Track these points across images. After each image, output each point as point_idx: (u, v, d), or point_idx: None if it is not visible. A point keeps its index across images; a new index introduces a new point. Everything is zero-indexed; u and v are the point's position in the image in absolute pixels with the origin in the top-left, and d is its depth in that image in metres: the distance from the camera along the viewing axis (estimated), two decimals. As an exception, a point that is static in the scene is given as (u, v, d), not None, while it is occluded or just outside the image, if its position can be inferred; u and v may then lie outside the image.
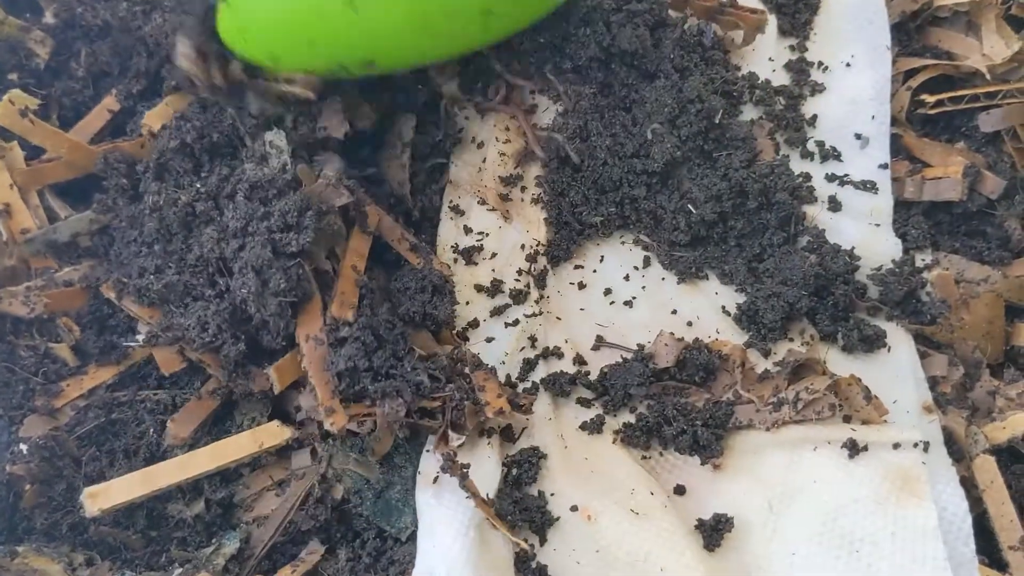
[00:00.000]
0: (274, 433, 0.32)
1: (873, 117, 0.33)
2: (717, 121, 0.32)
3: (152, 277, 0.29)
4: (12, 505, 0.32)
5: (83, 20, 0.32)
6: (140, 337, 0.31)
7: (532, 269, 0.32)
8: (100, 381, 0.32)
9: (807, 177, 0.33)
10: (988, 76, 0.33)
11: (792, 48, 0.35)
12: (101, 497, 0.30)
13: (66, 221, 0.30)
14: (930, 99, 0.34)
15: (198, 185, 0.28)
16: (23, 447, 0.31)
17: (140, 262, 0.29)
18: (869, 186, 0.32)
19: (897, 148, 0.33)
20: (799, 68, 0.35)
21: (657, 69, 0.33)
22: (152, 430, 0.32)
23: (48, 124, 0.30)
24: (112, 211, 0.30)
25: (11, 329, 0.30)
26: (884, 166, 0.33)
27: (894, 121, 0.34)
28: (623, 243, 0.33)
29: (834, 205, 0.32)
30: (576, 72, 0.33)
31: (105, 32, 0.32)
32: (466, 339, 0.33)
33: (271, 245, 0.27)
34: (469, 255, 0.33)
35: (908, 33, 0.35)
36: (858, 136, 0.33)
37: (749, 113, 0.34)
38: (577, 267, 0.33)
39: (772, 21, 0.35)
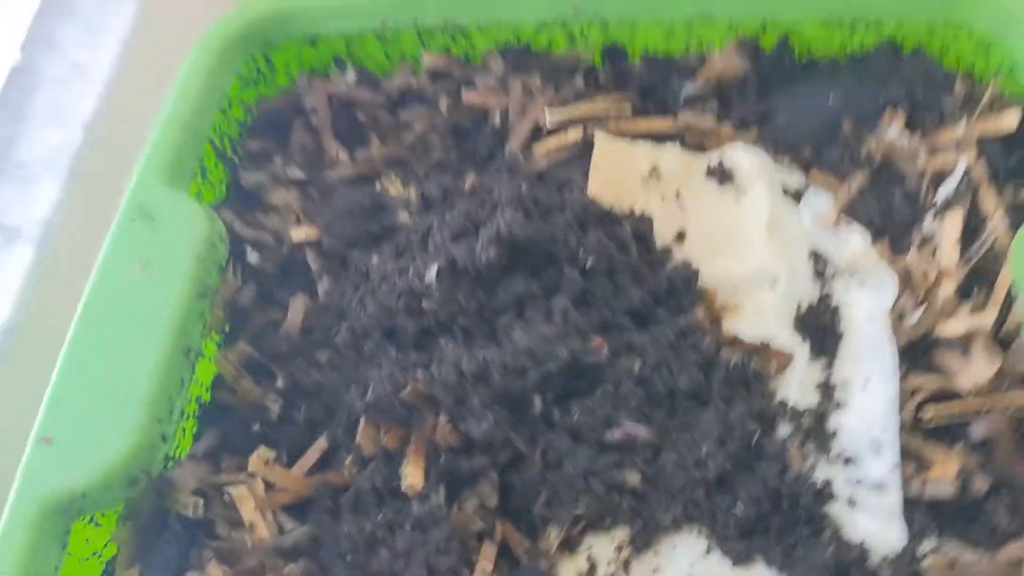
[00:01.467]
0: None
1: (885, 428, 0.43)
2: (753, 443, 0.42)
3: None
4: None
5: (303, 384, 0.46)
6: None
7: (618, 559, 0.42)
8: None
9: (828, 483, 0.42)
10: (973, 394, 0.42)
11: (821, 370, 0.45)
12: None
13: (290, 533, 0.43)
14: (929, 413, 0.43)
15: (379, 518, 0.40)
16: None
17: (337, 570, 0.41)
18: (881, 486, 0.41)
19: (906, 452, 0.42)
20: (825, 388, 0.45)
21: (708, 399, 0.44)
22: None
23: (278, 465, 0.44)
24: (321, 526, 0.43)
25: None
26: (895, 469, 0.42)
27: (903, 429, 0.43)
28: (689, 533, 0.42)
29: (852, 503, 0.41)
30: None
31: (319, 390, 0.46)
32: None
33: (426, 567, 0.39)
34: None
35: (915, 355, 0.45)
36: (873, 443, 0.42)
37: (784, 429, 0.43)
38: (655, 553, 0.43)
39: (804, 353, 0.45)
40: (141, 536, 0.43)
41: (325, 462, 0.45)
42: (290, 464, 0.44)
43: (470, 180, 0.50)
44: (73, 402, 0.40)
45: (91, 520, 0.42)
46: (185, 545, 0.43)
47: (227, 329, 0.49)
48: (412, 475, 0.41)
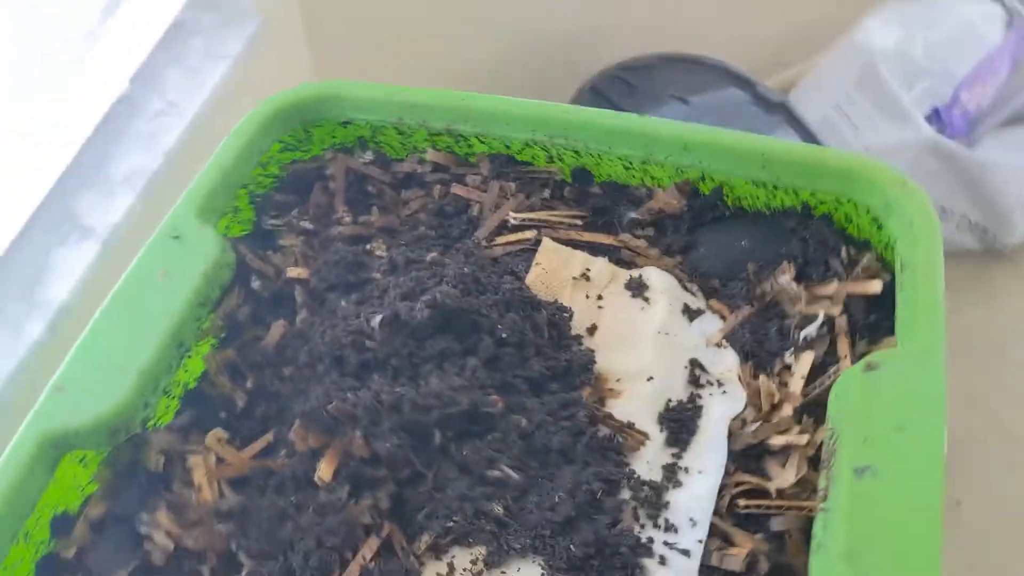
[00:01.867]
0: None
1: (703, 509, 0.53)
2: (598, 497, 0.52)
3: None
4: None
5: (266, 389, 0.59)
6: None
7: (473, 569, 0.53)
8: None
9: (650, 541, 0.52)
10: (775, 495, 0.52)
11: (671, 455, 0.56)
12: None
13: (226, 499, 0.54)
14: (741, 503, 0.53)
15: (292, 499, 0.52)
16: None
17: (253, 534, 0.52)
18: (688, 552, 0.51)
19: (716, 530, 0.52)
20: (669, 469, 0.55)
21: (573, 458, 0.54)
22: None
23: (231, 447, 0.56)
24: (250, 499, 0.54)
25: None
26: (700, 542, 0.51)
27: (720, 513, 0.53)
28: (532, 562, 0.53)
29: (662, 561, 0.51)
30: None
31: (277, 396, 0.58)
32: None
33: (317, 542, 0.50)
34: None
35: (747, 457, 0.55)
36: (691, 520, 0.52)
37: (625, 494, 0.54)
38: (502, 572, 0.53)
39: (660, 438, 0.56)
40: (115, 480, 0.55)
41: (267, 451, 0.56)
42: (241, 447, 0.56)
43: (432, 255, 0.62)
44: (86, 363, 0.53)
45: (81, 460, 0.54)
46: (146, 493, 0.54)
47: (223, 336, 0.61)
48: (324, 471, 0.52)
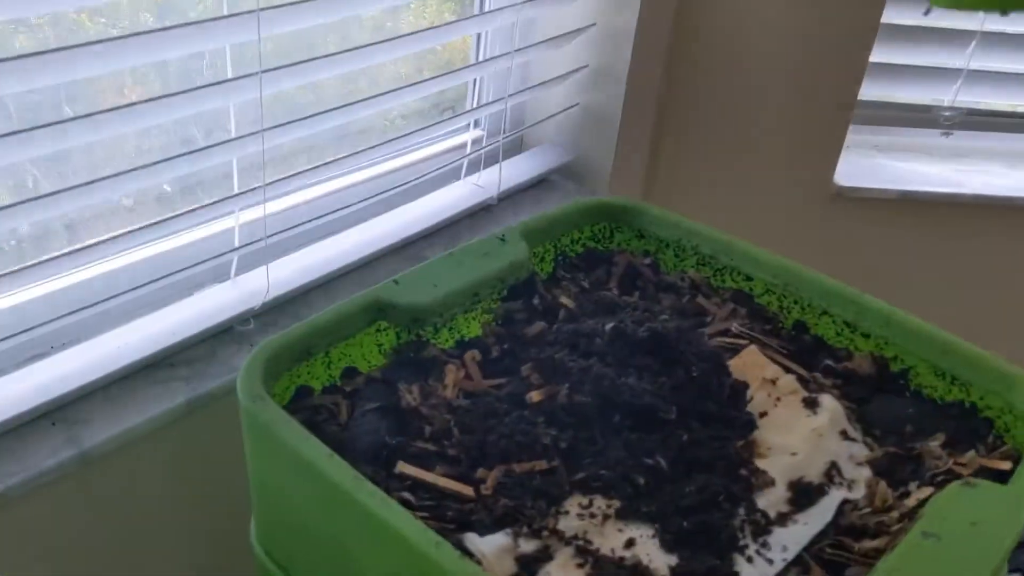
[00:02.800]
0: None
1: (797, 542, 0.65)
2: (719, 500, 0.67)
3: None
4: None
5: (519, 353, 0.79)
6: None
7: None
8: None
9: (746, 546, 0.64)
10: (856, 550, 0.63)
11: (789, 509, 0.69)
12: None
13: (459, 400, 0.74)
14: (828, 551, 0.64)
15: (501, 404, 0.71)
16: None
17: (467, 422, 0.72)
18: (771, 561, 0.63)
19: (800, 562, 0.64)
20: (783, 516, 0.68)
21: (709, 471, 0.69)
22: None
23: (479, 370, 0.76)
24: (475, 402, 0.74)
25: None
26: (785, 560, 0.63)
27: (808, 551, 0.65)
28: (643, 522, 0.67)
29: (750, 560, 0.63)
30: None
31: (521, 359, 0.79)
32: None
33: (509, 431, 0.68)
34: None
35: (849, 531, 0.67)
36: (784, 547, 0.65)
37: (740, 511, 0.67)
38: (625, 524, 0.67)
39: (785, 495, 0.69)
40: (396, 362, 0.77)
41: (499, 388, 0.76)
42: (487, 377, 0.77)
43: (664, 316, 0.81)
44: (420, 275, 0.78)
45: (384, 330, 0.77)
46: (411, 375, 0.76)
47: (499, 321, 0.84)
48: (535, 396, 0.72)
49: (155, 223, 0.86)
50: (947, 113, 1.48)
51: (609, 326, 0.76)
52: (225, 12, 0.83)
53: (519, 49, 1.15)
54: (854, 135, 1.49)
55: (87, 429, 0.83)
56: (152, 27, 0.77)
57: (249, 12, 0.82)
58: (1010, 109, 1.51)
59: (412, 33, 0.99)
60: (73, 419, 0.84)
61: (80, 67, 0.74)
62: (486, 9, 1.19)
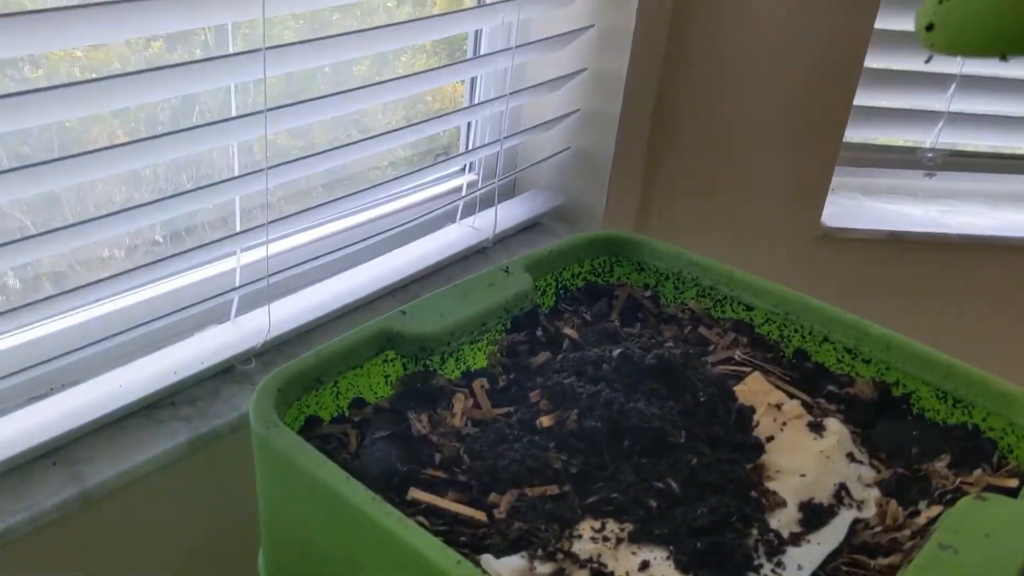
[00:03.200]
0: None
1: (812, 561, 0.65)
2: (731, 521, 0.67)
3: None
4: None
5: (524, 383, 0.80)
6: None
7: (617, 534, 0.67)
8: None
9: (761, 566, 0.64)
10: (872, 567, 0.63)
11: (801, 529, 0.69)
12: None
13: (467, 427, 0.74)
14: (844, 570, 0.64)
15: (509, 431, 0.71)
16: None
17: (475, 449, 0.72)
18: (786, 578, 0.63)
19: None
20: (795, 536, 0.68)
21: (720, 493, 0.69)
22: None
23: (487, 399, 0.77)
24: (483, 430, 0.74)
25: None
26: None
27: (823, 570, 0.64)
28: (658, 546, 0.67)
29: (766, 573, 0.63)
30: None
31: (528, 387, 0.79)
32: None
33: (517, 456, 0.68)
34: None
35: (862, 550, 0.67)
36: (799, 566, 0.65)
37: (755, 532, 0.67)
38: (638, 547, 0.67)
39: (796, 516, 0.69)
40: (403, 393, 0.77)
41: (507, 416, 0.76)
42: (494, 406, 0.77)
43: (668, 343, 0.82)
44: (427, 305, 0.78)
45: (391, 361, 0.77)
46: (419, 405, 0.76)
47: (504, 351, 0.84)
48: (545, 421, 0.72)
49: (156, 262, 0.86)
50: (930, 155, 1.51)
51: (616, 352, 0.76)
52: (231, 51, 0.85)
53: (513, 92, 1.17)
54: (839, 177, 1.51)
55: (89, 468, 0.82)
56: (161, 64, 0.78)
57: (255, 51, 0.83)
58: (990, 150, 1.54)
59: (412, 74, 1.01)
60: (75, 459, 0.83)
61: (73, 106, 0.75)
62: (479, 54, 1.22)
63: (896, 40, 1.39)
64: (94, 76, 0.78)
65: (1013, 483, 0.71)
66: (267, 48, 0.84)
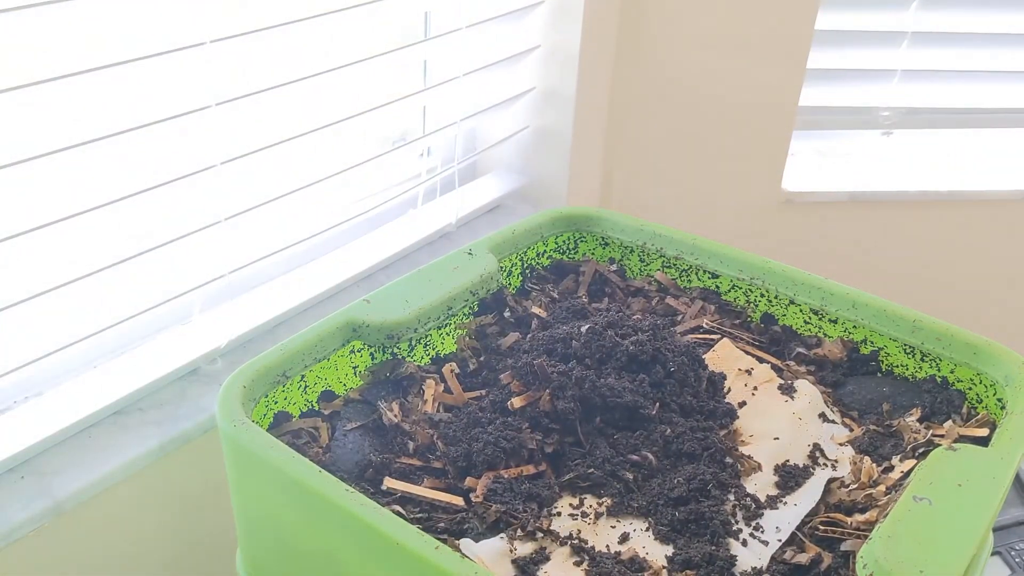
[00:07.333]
0: None
1: (789, 522, 0.65)
2: (708, 489, 0.67)
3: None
4: None
5: (495, 365, 0.79)
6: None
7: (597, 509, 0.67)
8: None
9: (740, 531, 0.64)
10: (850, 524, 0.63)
11: (777, 492, 0.69)
12: None
13: (438, 413, 0.74)
14: (821, 528, 0.65)
15: (482, 414, 0.71)
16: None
17: (447, 433, 0.71)
18: (766, 543, 0.63)
19: (793, 541, 0.64)
20: (772, 499, 0.68)
21: (699, 462, 0.69)
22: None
23: (457, 384, 0.76)
24: (455, 414, 0.73)
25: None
26: (779, 540, 0.63)
27: (800, 530, 0.65)
28: (637, 517, 0.67)
29: (744, 543, 0.63)
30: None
31: (498, 370, 0.79)
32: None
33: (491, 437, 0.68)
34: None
35: (838, 508, 0.67)
36: (776, 527, 0.65)
37: (731, 497, 0.67)
38: (617, 520, 0.67)
39: (772, 479, 0.69)
40: (372, 383, 0.77)
41: (478, 400, 0.76)
42: (466, 390, 0.76)
43: (637, 315, 0.82)
44: (391, 292, 0.77)
45: (357, 351, 0.76)
46: (389, 393, 0.75)
47: (473, 334, 0.83)
48: (516, 402, 0.71)
49: (113, 264, 0.85)
50: (885, 113, 1.52)
51: (584, 328, 0.76)
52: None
53: (467, 73, 1.16)
54: (798, 141, 1.52)
55: (58, 480, 0.81)
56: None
57: (199, 44, 0.82)
58: (946, 106, 1.55)
59: (367, 59, 1.00)
60: (43, 471, 0.82)
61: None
62: (431, 35, 1.20)
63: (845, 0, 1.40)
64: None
65: (983, 432, 0.71)
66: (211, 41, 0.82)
